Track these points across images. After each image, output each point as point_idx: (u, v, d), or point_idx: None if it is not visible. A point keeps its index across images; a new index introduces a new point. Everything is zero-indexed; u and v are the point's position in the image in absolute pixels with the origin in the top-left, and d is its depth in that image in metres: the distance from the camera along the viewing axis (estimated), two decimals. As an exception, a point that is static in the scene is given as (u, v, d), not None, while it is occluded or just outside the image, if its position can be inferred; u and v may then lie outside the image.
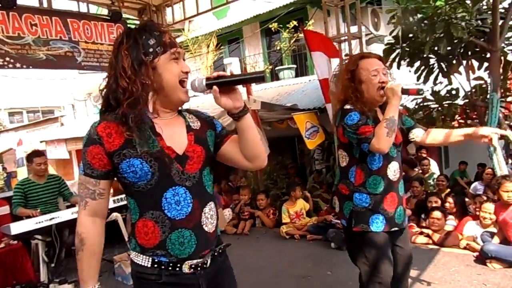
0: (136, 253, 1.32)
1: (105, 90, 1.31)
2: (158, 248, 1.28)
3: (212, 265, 1.37)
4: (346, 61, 2.32)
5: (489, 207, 4.09)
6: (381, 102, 2.08)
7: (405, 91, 2.00)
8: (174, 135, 1.32)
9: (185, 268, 1.30)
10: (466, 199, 5.00)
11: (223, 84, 1.27)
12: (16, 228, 3.73)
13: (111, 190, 1.39)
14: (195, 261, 1.31)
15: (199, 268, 1.32)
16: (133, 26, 1.44)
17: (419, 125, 2.31)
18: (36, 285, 3.72)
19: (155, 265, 1.29)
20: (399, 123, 2.18)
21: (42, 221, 3.88)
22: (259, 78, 1.25)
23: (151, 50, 1.26)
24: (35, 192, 4.46)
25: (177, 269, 1.29)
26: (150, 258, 1.29)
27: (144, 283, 1.32)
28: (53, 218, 3.99)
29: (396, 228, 2.15)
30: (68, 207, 4.64)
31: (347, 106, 2.09)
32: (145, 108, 1.28)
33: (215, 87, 1.26)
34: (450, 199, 4.74)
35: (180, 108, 1.41)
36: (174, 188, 1.28)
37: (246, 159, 1.41)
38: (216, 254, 1.40)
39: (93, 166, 1.27)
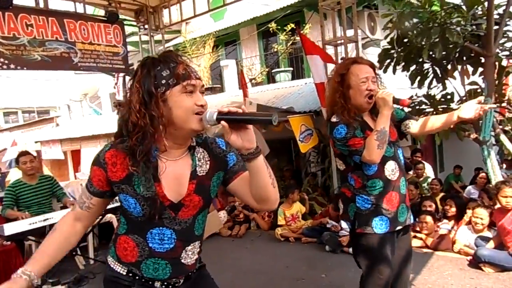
0: (113, 260, 1.38)
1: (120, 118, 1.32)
2: (133, 266, 1.33)
3: (185, 283, 1.41)
4: (339, 64, 2.33)
5: (481, 212, 4.10)
6: (368, 109, 2.10)
7: (396, 101, 2.02)
8: (175, 182, 1.29)
9: (157, 285, 1.36)
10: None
11: (232, 121, 1.17)
12: (10, 229, 3.72)
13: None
14: (166, 282, 1.37)
15: (170, 286, 1.37)
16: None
17: (411, 115, 2.29)
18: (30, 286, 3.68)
19: (130, 274, 1.34)
20: (390, 121, 2.17)
21: (36, 222, 3.87)
22: (268, 121, 1.13)
23: (163, 82, 1.20)
24: (27, 193, 4.44)
25: (150, 282, 1.35)
26: (126, 269, 1.35)
27: (117, 287, 1.37)
28: (47, 219, 3.97)
29: (400, 227, 2.16)
30: (62, 207, 4.63)
31: (334, 119, 2.10)
32: (154, 143, 1.24)
33: (223, 122, 1.17)
34: (450, 202, 4.74)
35: (196, 139, 1.37)
36: (161, 228, 1.30)
37: (255, 200, 1.33)
38: (190, 274, 1.43)
39: (92, 183, 1.32)
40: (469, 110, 1.92)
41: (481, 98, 2.02)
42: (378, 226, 2.09)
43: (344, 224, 4.44)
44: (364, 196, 2.12)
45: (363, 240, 2.14)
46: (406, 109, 5.53)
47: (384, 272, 2.10)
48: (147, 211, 1.25)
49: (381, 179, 2.10)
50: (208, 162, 1.36)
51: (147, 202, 1.25)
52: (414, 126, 2.22)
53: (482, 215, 4.09)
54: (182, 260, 1.36)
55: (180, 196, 1.29)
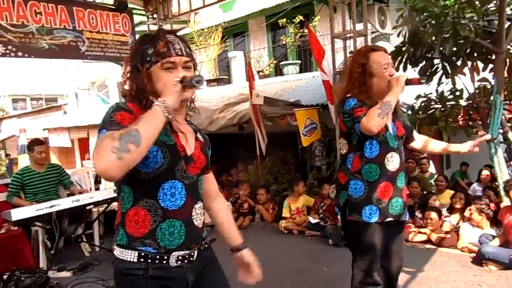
0: (121, 249, 1.32)
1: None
2: (147, 238, 1.30)
3: (198, 259, 1.41)
4: (354, 54, 2.33)
5: (472, 208, 4.17)
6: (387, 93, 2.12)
7: (408, 82, 2.07)
8: (185, 137, 1.40)
9: (173, 260, 1.33)
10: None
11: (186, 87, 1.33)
12: (17, 214, 3.77)
13: None
14: (182, 252, 1.34)
15: (185, 261, 1.35)
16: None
17: (415, 131, 2.44)
18: (36, 272, 3.76)
19: (142, 259, 1.29)
20: (401, 116, 2.28)
21: (43, 208, 3.92)
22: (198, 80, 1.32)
23: (147, 59, 1.34)
24: (35, 181, 4.48)
25: (164, 261, 1.31)
26: (136, 252, 1.30)
27: (130, 280, 1.31)
28: (54, 205, 4.02)
29: (391, 219, 2.16)
30: (68, 195, 4.68)
31: (347, 95, 2.14)
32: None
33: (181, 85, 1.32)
34: (460, 195, 4.70)
35: (188, 119, 1.52)
36: (173, 181, 1.34)
37: (204, 198, 1.52)
38: (202, 248, 1.44)
39: (122, 124, 1.23)
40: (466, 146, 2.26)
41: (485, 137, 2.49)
42: (368, 215, 2.12)
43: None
44: (358, 181, 2.14)
45: (354, 228, 2.19)
46: (418, 103, 5.50)
47: (371, 260, 2.16)
48: (168, 159, 1.31)
49: (379, 167, 2.11)
50: (202, 137, 1.54)
51: (168, 149, 1.31)
52: (417, 141, 2.40)
53: (471, 210, 4.18)
54: (194, 221, 1.39)
55: (191, 150, 1.42)
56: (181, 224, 1.34)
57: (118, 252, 1.34)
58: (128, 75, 1.40)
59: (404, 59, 5.10)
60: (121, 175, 1.14)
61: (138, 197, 1.32)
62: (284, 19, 8.63)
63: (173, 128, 1.37)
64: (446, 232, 4.39)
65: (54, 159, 12.03)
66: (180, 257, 1.34)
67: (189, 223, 1.37)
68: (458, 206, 4.64)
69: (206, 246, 1.48)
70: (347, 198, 2.18)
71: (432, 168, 6.53)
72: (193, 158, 1.41)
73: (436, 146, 2.38)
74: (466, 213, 4.40)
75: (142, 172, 1.30)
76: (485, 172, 5.93)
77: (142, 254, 1.29)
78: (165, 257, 1.31)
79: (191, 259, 1.38)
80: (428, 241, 4.41)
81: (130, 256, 1.30)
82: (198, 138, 1.50)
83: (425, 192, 5.51)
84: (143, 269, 1.29)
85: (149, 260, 1.30)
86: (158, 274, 1.30)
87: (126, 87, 1.41)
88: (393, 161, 2.13)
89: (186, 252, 1.36)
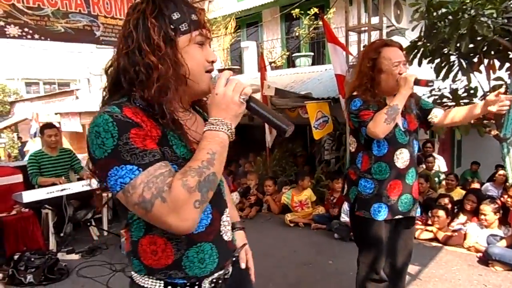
0: (141, 277, 1.05)
1: (112, 68, 1.03)
2: (171, 269, 1.03)
3: (232, 275, 1.18)
4: (367, 47, 2.27)
5: (486, 208, 4.08)
6: (396, 92, 2.08)
7: (417, 82, 2.02)
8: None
9: (206, 286, 1.08)
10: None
11: (252, 109, 1.03)
12: (28, 196, 3.85)
13: None
14: (216, 274, 1.10)
15: (220, 281, 1.12)
16: None
17: (439, 106, 2.31)
18: (45, 253, 3.83)
19: (169, 286, 1.04)
20: (415, 108, 2.22)
21: (53, 192, 3.99)
22: (283, 130, 1.03)
23: (172, 26, 0.99)
24: (48, 164, 4.58)
25: (196, 287, 1.06)
26: (162, 281, 1.03)
27: None
28: (64, 189, 4.09)
29: (400, 216, 2.16)
30: (78, 179, 4.75)
31: (354, 93, 2.13)
32: (176, 97, 1.01)
33: (244, 105, 1.02)
34: (472, 197, 4.64)
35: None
36: None
37: None
38: (234, 260, 1.22)
39: (151, 149, 0.92)
40: (493, 102, 1.91)
41: (502, 90, 2.02)
42: (377, 212, 2.11)
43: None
44: (368, 180, 2.13)
45: (361, 224, 2.19)
46: (430, 99, 5.44)
47: (377, 257, 2.16)
48: None
49: (389, 164, 2.10)
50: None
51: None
52: (439, 115, 2.23)
53: (485, 211, 4.08)
54: (223, 236, 1.13)
55: None
56: (211, 247, 1.07)
57: (137, 277, 1.06)
58: (152, 44, 0.97)
59: (419, 54, 5.03)
60: None
61: (151, 224, 0.98)
62: (298, 10, 8.54)
63: (188, 136, 1.04)
64: (454, 231, 4.36)
65: (65, 143, 12.18)
66: (214, 280, 1.10)
67: (220, 241, 1.11)
68: (468, 208, 4.59)
69: (237, 256, 1.25)
70: (356, 194, 2.18)
71: (443, 165, 6.48)
72: None
73: (457, 114, 2.15)
74: (480, 216, 4.33)
75: None
76: (502, 172, 5.84)
77: (169, 281, 1.04)
78: (197, 283, 1.06)
79: (226, 277, 1.14)
80: (435, 239, 4.39)
81: (155, 285, 1.04)
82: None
83: (429, 191, 5.47)
84: None
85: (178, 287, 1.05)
86: None
87: (127, 72, 0.99)
88: (402, 158, 2.11)
89: (220, 272, 1.11)
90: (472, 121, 5.23)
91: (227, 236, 1.15)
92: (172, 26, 0.99)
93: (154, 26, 0.97)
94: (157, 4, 1.00)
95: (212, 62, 1.06)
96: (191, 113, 1.12)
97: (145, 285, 1.04)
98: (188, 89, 1.04)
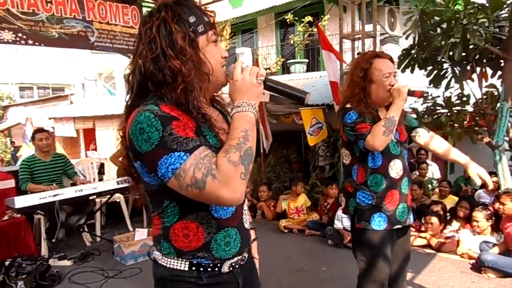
0: (168, 259, 1.16)
1: (137, 73, 1.11)
2: (200, 251, 1.15)
3: (247, 262, 1.30)
4: (359, 57, 2.29)
5: (479, 215, 4.12)
6: (387, 103, 2.10)
7: (411, 93, 2.03)
8: (224, 132, 1.18)
9: (225, 267, 1.19)
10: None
11: (270, 88, 1.17)
12: (21, 201, 3.81)
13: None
14: (235, 258, 1.22)
15: (237, 266, 1.23)
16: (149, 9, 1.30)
17: (425, 127, 2.34)
18: (37, 259, 3.79)
19: (193, 267, 1.15)
20: (403, 120, 2.24)
21: (46, 197, 3.95)
22: (301, 99, 1.17)
23: (192, 28, 1.10)
24: (40, 170, 4.54)
25: (217, 269, 1.18)
26: (188, 262, 1.15)
27: (181, 285, 1.17)
28: (57, 194, 4.06)
29: (399, 226, 2.17)
30: (72, 185, 4.72)
31: (348, 106, 2.12)
32: (201, 94, 1.13)
33: (262, 86, 1.15)
34: (465, 204, 4.67)
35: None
36: None
37: None
38: (249, 250, 1.34)
39: (192, 137, 1.02)
40: (475, 172, 2.10)
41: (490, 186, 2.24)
42: (377, 222, 2.10)
43: (346, 220, 4.46)
44: (365, 192, 2.13)
45: (362, 236, 2.16)
46: (421, 107, 5.50)
47: (381, 269, 2.12)
48: None
49: (384, 176, 2.10)
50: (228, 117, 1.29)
51: (217, 152, 1.06)
52: (423, 137, 2.28)
53: (478, 217, 4.11)
54: (245, 224, 1.27)
55: None
56: (236, 232, 1.20)
57: (163, 260, 1.17)
58: (157, 51, 1.07)
59: (412, 62, 5.08)
60: None
61: (185, 211, 1.13)
62: (292, 16, 8.61)
63: (215, 125, 1.16)
64: (447, 238, 4.38)
65: (59, 148, 12.10)
66: (233, 263, 1.21)
67: (242, 228, 1.24)
68: (461, 214, 4.61)
69: (250, 246, 1.35)
70: (355, 205, 2.16)
71: (437, 172, 6.52)
72: None
73: (439, 146, 2.26)
74: (473, 222, 4.35)
75: None
76: (494, 179, 5.88)
77: (194, 262, 1.15)
78: (218, 265, 1.18)
79: (242, 263, 1.26)
80: (428, 245, 4.40)
81: (180, 265, 1.16)
82: (228, 120, 1.24)
83: (422, 198, 5.50)
84: (196, 277, 1.16)
85: (201, 269, 1.16)
86: (210, 281, 1.18)
87: (154, 76, 1.08)
88: (396, 168, 2.12)
89: (239, 257, 1.23)
90: (464, 128, 5.29)
91: (247, 224, 1.28)
92: (191, 29, 1.10)
93: (178, 31, 1.07)
94: (175, 10, 1.09)
95: (225, 57, 1.19)
96: (213, 108, 1.24)
97: (173, 266, 1.15)
98: (210, 84, 1.15)
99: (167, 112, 1.03)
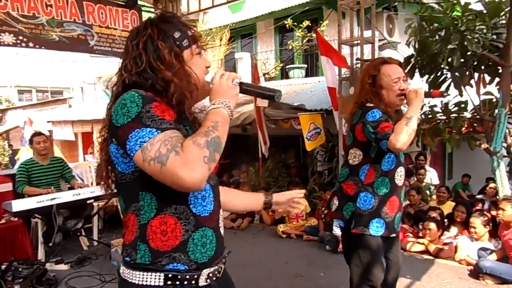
0: (141, 272, 1.12)
1: (117, 86, 1.21)
2: (176, 251, 1.12)
3: (223, 275, 1.28)
4: (367, 65, 2.32)
5: (476, 221, 4.12)
6: (399, 106, 2.12)
7: (427, 94, 2.04)
8: None
9: (202, 280, 1.17)
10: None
11: (245, 91, 1.27)
12: (18, 205, 3.79)
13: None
14: (212, 269, 1.20)
15: (214, 278, 1.21)
16: (148, 15, 1.39)
17: None
18: (33, 263, 3.77)
19: (169, 281, 1.11)
20: None
21: (43, 201, 3.94)
22: (271, 97, 1.26)
23: (177, 43, 1.18)
24: (38, 173, 4.53)
25: (193, 281, 1.15)
26: (163, 274, 1.11)
27: None
28: (55, 198, 4.04)
29: (394, 235, 2.18)
30: (69, 189, 4.70)
31: (369, 104, 2.09)
32: (192, 102, 1.23)
33: (238, 89, 1.24)
34: (462, 209, 4.67)
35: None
36: None
37: None
38: (224, 262, 1.31)
39: (168, 120, 1.07)
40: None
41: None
42: (375, 228, 2.10)
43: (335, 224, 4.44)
44: (368, 194, 2.11)
45: (358, 241, 2.14)
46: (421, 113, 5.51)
47: (376, 275, 2.12)
48: None
49: (390, 181, 2.11)
50: None
51: None
52: None
53: (475, 223, 4.11)
54: (220, 229, 1.26)
55: None
56: (212, 234, 1.19)
57: (136, 276, 1.12)
58: (142, 66, 1.15)
59: (412, 69, 5.11)
60: None
61: (164, 203, 1.12)
62: (291, 21, 8.64)
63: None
64: (444, 244, 4.37)
65: (57, 151, 12.07)
66: (210, 274, 1.19)
67: (217, 231, 1.23)
68: (459, 219, 4.62)
69: (225, 258, 1.33)
70: (353, 210, 2.14)
71: (435, 178, 6.53)
72: None
73: None
74: (470, 228, 4.35)
75: None
76: (493, 185, 5.89)
77: (170, 275, 1.11)
78: (195, 276, 1.15)
79: (218, 275, 1.24)
80: (426, 251, 4.40)
81: (155, 279, 1.11)
82: None
83: (420, 203, 5.50)
84: None
85: (178, 282, 1.12)
86: None
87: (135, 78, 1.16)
88: (401, 176, 2.14)
89: (215, 268, 1.22)
90: (462, 134, 5.31)
91: (222, 230, 1.28)
92: (177, 43, 1.18)
93: (164, 48, 1.16)
94: (160, 27, 1.18)
95: (208, 67, 1.27)
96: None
97: (144, 282, 1.11)
98: (198, 92, 1.23)
99: (152, 96, 1.10)
